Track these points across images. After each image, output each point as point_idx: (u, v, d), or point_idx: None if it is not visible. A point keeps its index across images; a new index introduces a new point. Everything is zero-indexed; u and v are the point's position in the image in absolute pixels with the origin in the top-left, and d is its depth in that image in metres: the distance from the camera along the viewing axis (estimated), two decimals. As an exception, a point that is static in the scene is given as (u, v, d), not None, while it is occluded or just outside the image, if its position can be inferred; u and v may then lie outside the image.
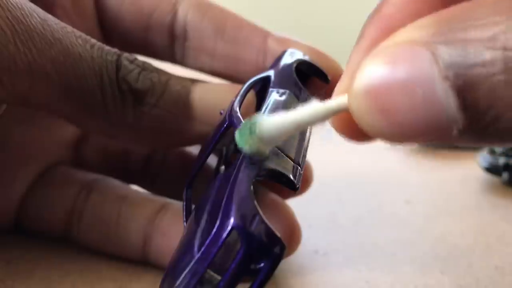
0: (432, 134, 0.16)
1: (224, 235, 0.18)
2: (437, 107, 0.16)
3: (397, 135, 0.16)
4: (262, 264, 0.18)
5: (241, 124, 0.19)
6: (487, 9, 0.16)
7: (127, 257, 0.27)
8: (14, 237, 0.29)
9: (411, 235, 0.32)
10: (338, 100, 0.18)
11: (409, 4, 0.19)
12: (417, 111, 0.16)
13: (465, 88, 0.15)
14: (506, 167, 0.38)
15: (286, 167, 0.20)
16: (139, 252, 0.27)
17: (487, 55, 0.15)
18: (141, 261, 0.27)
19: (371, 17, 0.20)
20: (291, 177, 0.20)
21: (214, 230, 0.18)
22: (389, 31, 0.18)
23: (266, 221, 0.18)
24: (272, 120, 0.18)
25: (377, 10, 0.20)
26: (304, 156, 0.22)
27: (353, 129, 0.19)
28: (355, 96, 0.16)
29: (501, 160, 0.39)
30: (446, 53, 0.16)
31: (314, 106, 0.18)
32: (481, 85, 0.15)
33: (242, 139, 0.19)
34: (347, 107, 0.17)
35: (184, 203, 0.23)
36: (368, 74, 0.16)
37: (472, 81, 0.15)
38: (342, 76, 0.20)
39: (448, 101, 0.15)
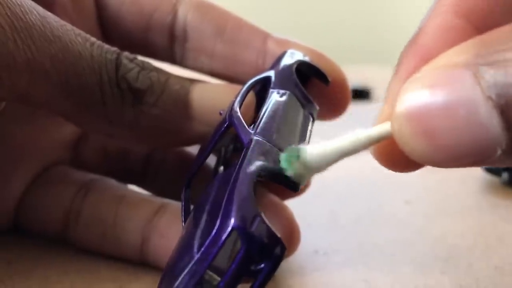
0: (476, 155, 0.16)
1: (224, 235, 0.18)
2: (480, 128, 0.16)
3: (441, 158, 0.16)
4: (262, 265, 0.18)
5: (287, 149, 0.20)
6: None
7: (125, 257, 0.27)
8: (13, 237, 0.29)
9: (411, 235, 0.32)
10: (380, 127, 0.18)
11: (445, 33, 0.20)
12: (460, 132, 0.16)
13: (508, 107, 0.16)
14: (506, 167, 0.38)
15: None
16: (137, 252, 0.27)
17: None
18: (139, 261, 0.27)
19: (408, 47, 0.20)
20: (294, 179, 0.20)
21: (214, 230, 0.18)
22: (427, 59, 0.18)
23: (267, 222, 0.18)
24: (317, 148, 0.19)
25: (413, 40, 0.20)
26: None
27: (395, 158, 0.19)
28: (397, 121, 0.17)
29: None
30: (488, 74, 0.16)
31: (357, 134, 0.18)
32: None
33: (288, 164, 0.19)
34: (389, 134, 0.18)
35: (183, 203, 0.23)
36: (410, 98, 0.16)
37: None
38: (383, 104, 0.20)
39: (492, 121, 0.16)
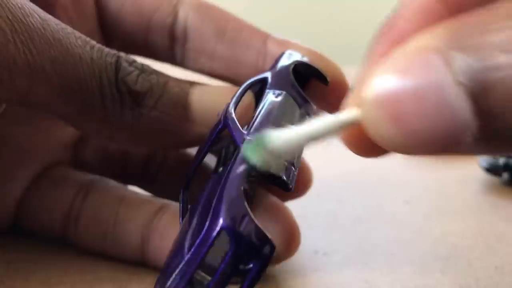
0: (446, 142, 0.16)
1: (213, 235, 0.18)
2: (450, 113, 0.15)
3: (411, 144, 0.16)
4: (251, 265, 0.18)
5: (251, 137, 0.19)
6: (500, 15, 0.16)
7: (125, 258, 0.27)
8: (14, 238, 0.29)
9: (411, 235, 0.32)
10: (349, 112, 0.17)
11: (420, 16, 0.19)
12: (430, 118, 0.15)
13: (479, 92, 0.15)
14: (506, 167, 0.38)
15: (278, 168, 0.20)
16: (137, 253, 0.27)
17: (502, 58, 0.15)
18: (139, 262, 0.27)
19: (381, 30, 0.20)
20: (284, 178, 0.20)
21: (204, 230, 0.18)
22: (399, 42, 0.17)
23: (256, 221, 0.18)
24: (282, 133, 0.18)
25: (387, 24, 0.20)
26: (299, 157, 0.22)
27: (364, 144, 0.18)
28: (366, 106, 0.16)
29: (501, 160, 0.39)
30: (460, 58, 0.15)
31: (324, 119, 0.18)
32: (496, 88, 0.15)
33: (251, 152, 0.18)
34: (358, 119, 0.17)
35: (181, 204, 0.23)
36: (379, 83, 0.16)
37: (486, 85, 0.15)
38: (354, 89, 0.19)
39: (462, 106, 0.15)
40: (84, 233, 0.27)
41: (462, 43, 0.16)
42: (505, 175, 0.38)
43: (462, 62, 0.15)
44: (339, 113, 0.18)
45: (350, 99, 0.19)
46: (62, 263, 0.27)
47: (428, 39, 0.16)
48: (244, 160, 0.19)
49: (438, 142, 0.16)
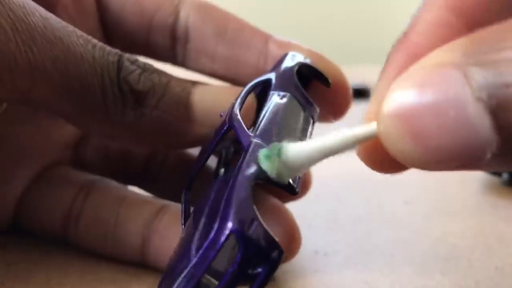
0: (465, 158, 0.16)
1: (222, 239, 0.18)
2: (470, 129, 0.15)
3: (429, 160, 0.16)
4: (259, 269, 0.18)
5: (267, 147, 0.19)
6: None
7: (126, 259, 0.27)
8: (13, 239, 0.29)
9: (411, 236, 0.32)
10: (366, 127, 0.17)
11: (436, 30, 0.19)
12: (449, 134, 0.15)
13: (499, 108, 0.15)
14: (505, 167, 0.38)
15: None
16: (138, 254, 0.27)
17: None
18: (139, 263, 0.27)
19: (397, 44, 0.20)
20: (291, 181, 0.20)
21: (212, 233, 0.18)
22: (416, 57, 0.17)
23: (265, 225, 0.18)
24: (299, 146, 0.18)
25: (403, 37, 0.20)
26: None
27: (381, 159, 0.18)
28: (384, 121, 0.16)
29: (501, 161, 0.39)
30: (479, 74, 0.15)
31: (341, 133, 0.18)
32: None
33: (267, 162, 0.19)
34: (375, 134, 0.17)
35: (183, 205, 0.23)
36: (398, 98, 0.16)
37: (506, 101, 0.15)
38: (370, 103, 0.19)
39: (482, 122, 0.15)
40: (85, 234, 0.27)
41: (481, 59, 0.15)
42: (505, 175, 0.38)
43: (481, 78, 0.15)
44: (357, 127, 0.18)
45: (366, 112, 0.19)
46: (62, 264, 0.27)
47: (446, 54, 0.16)
48: (259, 169, 0.19)
49: (457, 159, 0.16)
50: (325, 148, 0.18)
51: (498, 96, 0.15)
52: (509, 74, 0.15)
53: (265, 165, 0.19)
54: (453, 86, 0.15)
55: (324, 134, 0.18)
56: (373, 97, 0.19)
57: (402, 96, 0.16)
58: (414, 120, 0.15)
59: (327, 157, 0.18)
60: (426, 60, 0.16)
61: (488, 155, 0.16)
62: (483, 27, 0.16)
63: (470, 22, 0.19)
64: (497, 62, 0.15)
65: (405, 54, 0.19)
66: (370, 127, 0.17)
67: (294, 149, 0.18)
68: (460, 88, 0.15)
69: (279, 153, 0.18)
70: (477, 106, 0.15)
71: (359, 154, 0.19)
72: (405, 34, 0.20)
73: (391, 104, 0.16)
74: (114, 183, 0.29)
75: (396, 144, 0.16)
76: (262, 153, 0.19)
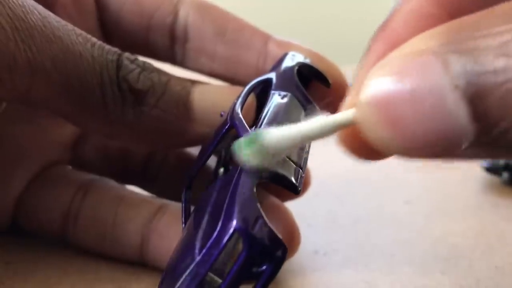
0: (442, 146, 0.15)
1: (226, 237, 0.18)
2: (447, 117, 0.15)
3: (407, 148, 0.16)
4: (264, 267, 0.18)
5: (244, 136, 0.19)
6: (497, 18, 0.16)
7: (125, 258, 0.27)
8: (13, 238, 0.29)
9: (411, 235, 0.32)
10: (345, 113, 0.17)
11: (416, 19, 0.19)
12: (426, 121, 0.15)
13: (476, 96, 0.15)
14: (506, 167, 0.38)
15: (288, 170, 0.20)
16: (137, 253, 0.26)
17: (499, 62, 0.15)
18: (138, 262, 0.27)
19: (378, 32, 0.19)
20: (294, 180, 0.20)
21: (216, 232, 0.18)
22: (396, 45, 0.17)
23: (269, 224, 0.18)
24: (277, 132, 0.18)
25: (384, 25, 0.20)
26: (306, 159, 0.22)
27: (361, 147, 0.18)
28: (362, 108, 0.16)
29: (501, 160, 0.39)
30: (457, 62, 0.15)
31: (320, 119, 0.18)
32: (493, 93, 0.15)
33: (245, 150, 0.18)
34: (354, 120, 0.17)
35: (183, 204, 0.23)
36: (376, 85, 0.16)
37: (484, 90, 0.15)
38: (350, 90, 0.19)
39: (459, 111, 0.15)
40: (83, 233, 0.27)
41: (460, 46, 0.15)
42: (506, 175, 0.38)
43: (459, 65, 0.15)
44: (336, 114, 0.18)
45: (346, 100, 0.19)
46: (62, 263, 0.27)
47: (425, 42, 0.16)
48: (234, 155, 0.18)
49: (435, 146, 0.15)
50: (304, 133, 0.18)
51: (475, 84, 0.15)
52: (486, 62, 0.15)
53: (244, 155, 0.18)
54: (431, 73, 0.15)
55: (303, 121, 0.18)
56: (353, 85, 0.19)
57: (380, 83, 0.16)
58: (392, 107, 0.15)
59: (305, 142, 0.18)
60: (404, 47, 0.16)
61: (465, 144, 0.15)
62: (464, 15, 0.16)
63: (451, 12, 0.19)
64: (475, 50, 0.15)
65: (385, 43, 0.19)
66: (348, 114, 0.17)
67: (271, 135, 0.18)
68: (438, 76, 0.15)
69: (256, 140, 0.18)
70: (454, 94, 0.15)
71: (339, 141, 0.19)
72: (386, 23, 0.20)
73: (368, 91, 0.16)
74: (112, 183, 0.29)
75: (374, 131, 0.16)
76: (238, 144, 0.18)
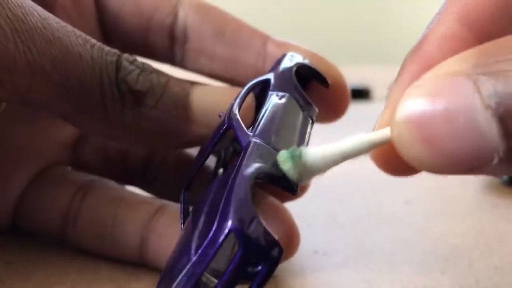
0: (474, 163, 0.17)
1: (222, 237, 0.18)
2: (479, 135, 0.16)
3: (440, 164, 0.17)
4: (259, 267, 0.18)
5: (287, 150, 0.20)
6: None
7: (124, 259, 0.27)
8: (13, 238, 0.29)
9: (411, 235, 0.32)
10: (381, 132, 0.19)
11: (448, 41, 0.20)
12: (459, 139, 0.16)
13: (506, 116, 0.16)
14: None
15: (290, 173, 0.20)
16: (136, 254, 0.26)
17: None
18: (138, 263, 0.27)
19: (411, 53, 0.21)
20: (290, 180, 0.20)
21: (212, 232, 0.18)
22: (428, 67, 0.18)
23: (264, 224, 0.18)
24: (317, 150, 0.19)
25: (417, 47, 0.21)
26: None
27: (394, 163, 0.19)
28: (397, 127, 0.17)
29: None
30: (488, 83, 0.16)
31: (357, 138, 0.19)
32: None
33: (288, 164, 0.19)
34: (389, 139, 0.18)
35: (182, 205, 0.23)
36: (412, 105, 0.17)
37: None
38: (384, 109, 0.20)
39: (490, 129, 0.16)
40: (82, 234, 0.27)
41: (490, 69, 0.16)
42: (505, 176, 0.38)
43: (490, 86, 0.16)
44: (372, 132, 0.19)
45: (380, 118, 0.20)
46: (62, 263, 0.27)
47: (457, 64, 0.17)
48: (279, 169, 0.20)
49: (466, 163, 0.17)
50: (341, 152, 0.19)
51: (505, 105, 0.16)
52: None
53: (286, 167, 0.19)
54: (463, 94, 0.16)
55: (340, 139, 0.19)
56: (387, 104, 0.20)
57: (415, 103, 0.17)
58: (426, 126, 0.16)
59: (343, 161, 0.19)
60: (438, 69, 0.17)
61: (496, 160, 0.16)
62: (493, 39, 0.17)
63: (481, 35, 0.20)
64: (505, 72, 0.16)
65: (418, 63, 0.20)
66: (384, 133, 0.19)
67: (312, 152, 0.19)
68: (470, 96, 0.16)
69: (300, 155, 0.19)
70: (486, 113, 0.16)
71: (373, 158, 0.20)
72: (419, 45, 0.21)
73: (404, 110, 0.17)
74: (112, 183, 0.29)
75: (409, 149, 0.17)
76: (283, 155, 0.20)
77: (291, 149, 0.20)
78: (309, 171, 0.19)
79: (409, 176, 0.20)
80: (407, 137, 0.17)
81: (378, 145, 0.19)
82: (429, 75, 0.17)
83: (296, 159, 0.19)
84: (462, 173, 0.17)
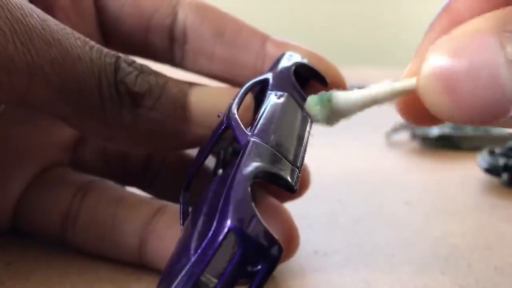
0: (494, 114, 0.18)
1: (221, 237, 0.18)
2: (499, 88, 0.17)
3: (462, 115, 0.18)
4: (259, 267, 0.18)
5: (314, 95, 0.20)
6: None
7: (123, 259, 0.27)
8: (13, 238, 0.29)
9: (411, 236, 0.32)
10: (408, 81, 0.20)
11: (477, 1, 0.21)
12: (481, 92, 0.17)
13: None
14: (506, 168, 0.38)
15: (283, 170, 0.20)
16: (135, 255, 0.26)
17: None
18: (137, 263, 0.27)
19: (440, 12, 0.22)
20: (289, 179, 0.20)
21: (211, 232, 0.18)
22: (457, 23, 0.19)
23: (264, 223, 0.18)
24: (346, 94, 0.20)
25: (446, 6, 0.22)
26: (303, 158, 0.22)
27: (417, 113, 0.21)
28: (424, 78, 0.18)
29: (501, 161, 0.39)
30: (511, 41, 0.17)
31: (386, 85, 0.20)
32: None
33: (315, 108, 0.20)
34: (414, 89, 0.19)
35: (181, 205, 0.23)
36: (438, 59, 0.18)
37: None
38: (412, 60, 0.21)
39: (511, 84, 0.17)
40: (82, 234, 0.27)
41: None
42: (505, 176, 0.38)
43: None
44: (399, 81, 0.20)
45: (407, 68, 0.21)
46: (62, 263, 0.27)
47: (484, 22, 0.18)
48: (307, 114, 0.21)
49: (487, 114, 0.18)
50: (369, 97, 0.20)
51: None
52: None
53: (315, 110, 0.20)
54: (488, 50, 0.17)
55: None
56: (415, 56, 0.21)
57: (442, 57, 0.18)
58: (451, 79, 0.18)
59: (370, 105, 0.20)
60: (465, 26, 0.18)
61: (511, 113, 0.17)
62: None
63: None
64: None
65: (447, 19, 0.21)
66: (410, 82, 0.19)
67: (342, 96, 0.20)
68: (494, 52, 0.17)
69: (329, 98, 0.20)
70: (508, 68, 0.17)
71: (397, 108, 0.21)
72: (448, 4, 0.22)
73: (431, 64, 0.18)
74: (111, 184, 0.29)
75: (433, 99, 0.18)
76: (312, 99, 0.20)
77: (321, 92, 0.20)
78: (339, 113, 0.20)
79: (431, 125, 0.21)
80: (432, 89, 0.18)
81: (404, 93, 0.20)
82: (456, 31, 0.18)
83: (325, 101, 0.20)
84: (481, 124, 0.18)
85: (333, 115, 0.20)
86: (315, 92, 0.26)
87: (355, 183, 0.39)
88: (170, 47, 0.29)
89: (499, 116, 0.18)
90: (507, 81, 0.17)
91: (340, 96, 0.20)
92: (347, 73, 0.29)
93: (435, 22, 0.22)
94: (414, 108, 0.20)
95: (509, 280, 0.27)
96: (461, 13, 0.21)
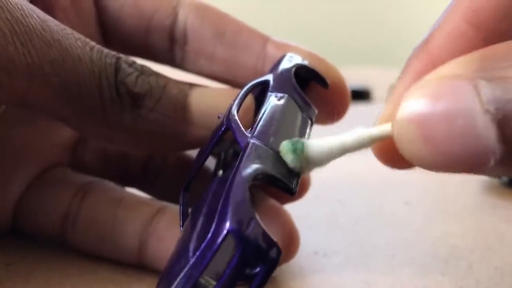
0: (470, 164, 0.17)
1: (220, 239, 0.18)
2: (476, 138, 0.17)
3: (437, 163, 0.17)
4: (258, 269, 0.18)
5: (289, 141, 0.20)
6: None
7: (123, 260, 0.27)
8: (13, 239, 0.29)
9: (411, 236, 0.32)
10: (382, 128, 0.19)
11: (454, 40, 0.21)
12: (457, 141, 0.17)
13: (504, 121, 0.16)
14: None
15: (283, 172, 0.20)
16: (135, 255, 0.26)
17: None
18: (137, 264, 0.27)
19: (416, 51, 0.21)
20: (288, 182, 0.20)
21: (210, 234, 0.18)
22: (433, 65, 0.19)
23: (262, 225, 0.18)
24: (319, 142, 0.20)
25: (422, 44, 0.21)
26: None
27: (393, 156, 0.20)
28: (398, 125, 0.18)
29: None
30: (488, 88, 0.17)
31: (358, 132, 0.19)
32: None
33: (291, 155, 0.20)
34: (390, 135, 0.19)
35: (181, 207, 0.23)
36: (413, 104, 0.17)
37: (510, 115, 0.16)
38: (386, 105, 0.21)
39: (488, 133, 0.17)
40: (82, 235, 0.27)
41: (491, 74, 0.17)
42: (504, 177, 0.38)
43: (490, 91, 0.17)
44: (373, 128, 0.19)
45: (381, 113, 0.21)
46: (62, 264, 0.27)
47: (459, 67, 0.17)
48: (281, 158, 0.20)
49: (464, 163, 0.17)
50: (343, 146, 0.20)
51: (504, 110, 0.16)
52: None
53: (289, 158, 0.20)
54: (463, 97, 0.17)
55: (342, 133, 0.20)
56: (389, 100, 0.21)
57: (417, 103, 0.17)
58: (426, 126, 0.17)
59: (344, 153, 0.20)
60: (440, 71, 0.18)
61: (492, 162, 0.17)
62: (499, 40, 0.18)
63: (487, 34, 0.21)
64: (505, 79, 0.17)
65: (422, 61, 0.21)
66: (385, 128, 0.19)
67: (315, 144, 0.20)
68: (470, 100, 0.17)
69: (302, 147, 0.20)
70: (484, 117, 0.17)
71: (373, 151, 0.21)
72: (425, 42, 0.21)
73: (406, 110, 0.17)
74: (111, 185, 0.29)
75: (408, 146, 0.18)
76: (285, 146, 0.20)
77: (293, 140, 0.20)
78: (312, 163, 0.20)
79: (407, 169, 0.21)
80: (408, 135, 0.17)
81: (378, 140, 0.19)
82: (431, 76, 0.18)
83: (298, 151, 0.20)
84: (460, 172, 0.18)
85: (307, 165, 0.20)
86: (315, 94, 0.27)
87: (355, 183, 0.39)
88: (171, 48, 0.29)
89: (480, 165, 0.17)
90: (484, 130, 0.17)
91: (313, 146, 0.20)
92: (347, 73, 0.29)
93: (410, 62, 0.21)
94: (390, 152, 0.20)
95: (510, 281, 0.27)
96: (437, 54, 0.21)
